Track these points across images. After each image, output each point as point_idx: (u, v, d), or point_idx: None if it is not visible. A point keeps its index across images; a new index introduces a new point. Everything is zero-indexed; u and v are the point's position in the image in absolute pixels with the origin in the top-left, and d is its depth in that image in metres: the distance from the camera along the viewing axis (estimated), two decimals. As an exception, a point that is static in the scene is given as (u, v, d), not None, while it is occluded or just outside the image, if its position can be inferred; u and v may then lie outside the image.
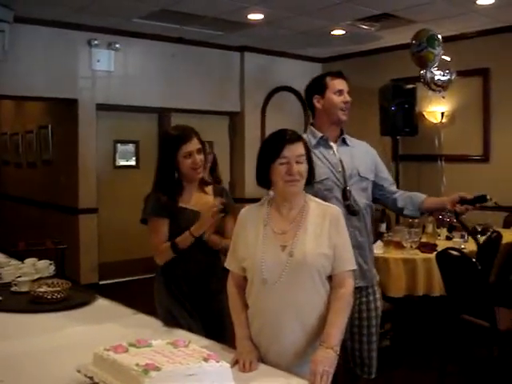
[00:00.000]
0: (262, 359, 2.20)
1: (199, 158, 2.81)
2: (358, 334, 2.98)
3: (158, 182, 2.85)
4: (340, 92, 2.99)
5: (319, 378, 1.95)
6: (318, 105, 3.03)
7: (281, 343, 2.21)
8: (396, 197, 3.13)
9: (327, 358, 2.04)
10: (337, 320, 2.18)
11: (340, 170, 2.94)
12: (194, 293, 2.81)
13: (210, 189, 2.96)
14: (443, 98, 7.14)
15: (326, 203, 2.41)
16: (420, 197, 3.11)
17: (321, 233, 2.23)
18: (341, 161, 2.96)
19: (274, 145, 2.25)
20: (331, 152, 2.99)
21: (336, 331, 2.15)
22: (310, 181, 2.33)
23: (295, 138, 2.26)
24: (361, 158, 3.05)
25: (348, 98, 3.00)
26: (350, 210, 2.89)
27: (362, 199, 2.97)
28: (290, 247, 2.21)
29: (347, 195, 2.90)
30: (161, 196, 2.79)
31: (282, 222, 2.28)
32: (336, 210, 2.33)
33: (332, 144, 3.01)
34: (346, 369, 2.98)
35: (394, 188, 3.18)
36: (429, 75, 6.74)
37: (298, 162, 2.22)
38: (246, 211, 2.39)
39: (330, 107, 3.00)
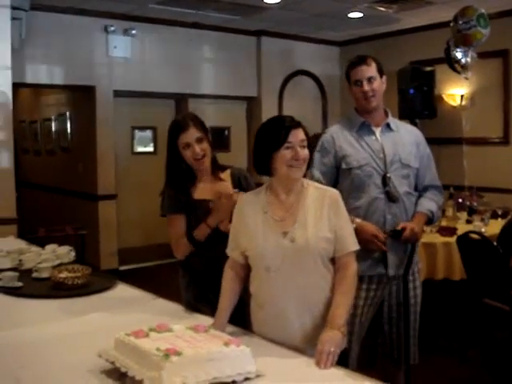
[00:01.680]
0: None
1: (200, 147, 2.67)
2: (396, 318, 3.01)
3: (168, 175, 2.78)
4: (358, 82, 2.94)
5: (325, 357, 1.96)
6: (351, 93, 3.05)
7: (288, 329, 2.22)
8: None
9: (334, 339, 2.05)
10: (342, 301, 2.20)
11: (381, 156, 2.90)
12: (217, 283, 2.76)
13: (227, 173, 2.83)
14: (466, 79, 7.00)
15: (325, 187, 2.38)
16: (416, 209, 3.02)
17: (320, 216, 2.23)
18: (382, 147, 2.92)
19: (276, 131, 2.21)
20: (373, 137, 2.96)
21: (342, 312, 2.17)
22: (309, 166, 2.32)
23: (296, 123, 2.24)
24: (404, 144, 2.99)
25: (365, 88, 2.91)
26: (390, 197, 2.87)
27: (402, 186, 2.91)
28: (291, 233, 2.21)
29: (387, 182, 2.87)
30: (171, 192, 2.73)
31: (281, 209, 2.27)
32: (334, 193, 2.31)
33: (374, 129, 2.98)
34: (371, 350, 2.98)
35: (423, 185, 3.05)
36: (454, 56, 6.57)
37: (301, 147, 2.21)
38: (243, 199, 2.38)
39: (354, 98, 3.01)
